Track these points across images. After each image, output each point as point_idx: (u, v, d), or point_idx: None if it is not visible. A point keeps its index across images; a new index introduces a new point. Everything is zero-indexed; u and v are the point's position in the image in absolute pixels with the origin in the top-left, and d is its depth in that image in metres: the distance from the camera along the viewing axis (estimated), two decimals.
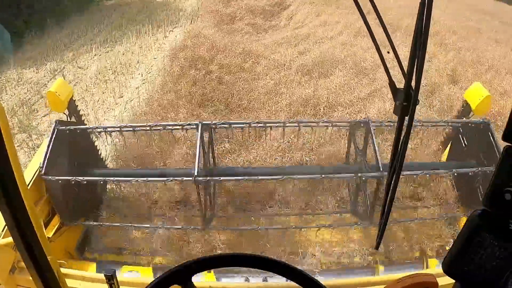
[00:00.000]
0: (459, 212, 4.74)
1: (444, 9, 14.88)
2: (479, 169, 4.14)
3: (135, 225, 4.54)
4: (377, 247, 1.99)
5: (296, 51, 9.89)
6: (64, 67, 12.36)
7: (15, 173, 1.60)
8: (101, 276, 2.63)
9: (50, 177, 3.97)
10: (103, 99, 10.08)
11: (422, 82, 1.50)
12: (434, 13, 1.29)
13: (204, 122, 4.41)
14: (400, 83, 1.49)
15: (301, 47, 10.13)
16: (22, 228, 1.68)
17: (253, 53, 9.42)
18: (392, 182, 1.65)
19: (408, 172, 4.30)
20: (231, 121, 4.72)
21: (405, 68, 1.43)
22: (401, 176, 1.66)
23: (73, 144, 4.45)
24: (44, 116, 9.89)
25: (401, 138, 1.55)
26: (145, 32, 14.20)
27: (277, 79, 8.32)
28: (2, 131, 1.49)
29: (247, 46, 9.80)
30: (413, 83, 1.43)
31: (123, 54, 12.85)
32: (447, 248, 3.94)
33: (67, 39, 14.67)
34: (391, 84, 1.58)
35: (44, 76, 11.96)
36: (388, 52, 1.62)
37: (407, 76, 1.42)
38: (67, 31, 15.46)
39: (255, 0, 14.36)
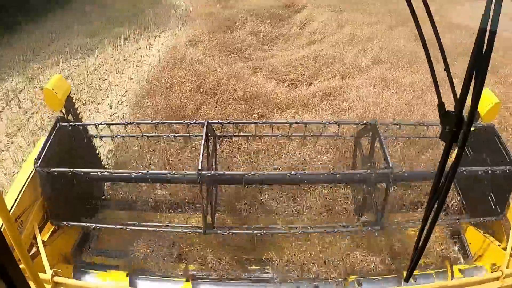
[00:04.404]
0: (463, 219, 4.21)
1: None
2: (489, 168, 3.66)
3: (131, 227, 3.81)
4: (407, 279, 1.76)
5: (321, 91, 6.43)
6: (23, 89, 8.84)
7: None
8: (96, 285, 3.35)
9: (45, 169, 3.58)
10: None
11: None
12: None
13: (210, 121, 3.87)
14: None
15: (327, 85, 6.64)
16: None
17: (258, 97, 6.01)
18: (431, 216, 1.44)
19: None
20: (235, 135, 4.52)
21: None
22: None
23: (71, 145, 4.02)
24: None
25: (447, 168, 1.34)
26: (127, 38, 10.69)
27: (298, 160, 4.84)
28: None
29: (250, 81, 6.34)
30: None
31: (95, 70, 9.41)
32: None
33: (37, 45, 11.12)
34: (440, 105, 1.36)
35: None
36: (445, 69, 1.35)
37: (460, 99, 1.22)
38: (39, 34, 11.83)
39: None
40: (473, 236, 4.11)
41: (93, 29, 11.73)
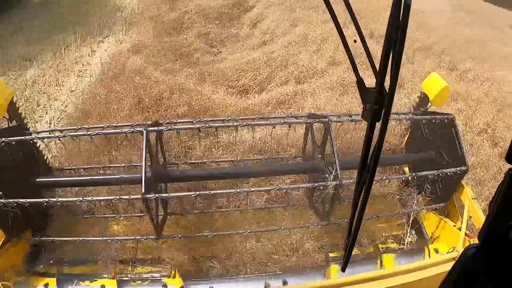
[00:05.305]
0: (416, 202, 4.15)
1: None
2: (440, 172, 3.68)
3: (82, 238, 3.68)
4: (343, 269, 1.65)
5: (274, 99, 6.09)
6: None
7: None
8: None
9: None
10: None
11: None
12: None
13: (150, 129, 3.58)
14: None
15: (280, 91, 6.17)
16: None
17: (205, 111, 5.57)
18: (361, 198, 1.32)
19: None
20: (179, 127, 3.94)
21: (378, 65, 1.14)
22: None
23: (15, 151, 3.69)
24: None
25: (372, 148, 1.22)
26: (68, 46, 9.83)
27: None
28: None
29: (196, 93, 5.81)
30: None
31: (34, 83, 8.55)
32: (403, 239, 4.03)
33: None
34: (360, 83, 1.30)
35: None
36: (355, 41, 1.31)
37: (380, 74, 1.12)
38: None
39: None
40: (429, 218, 4.15)
41: (34, 36, 10.74)
